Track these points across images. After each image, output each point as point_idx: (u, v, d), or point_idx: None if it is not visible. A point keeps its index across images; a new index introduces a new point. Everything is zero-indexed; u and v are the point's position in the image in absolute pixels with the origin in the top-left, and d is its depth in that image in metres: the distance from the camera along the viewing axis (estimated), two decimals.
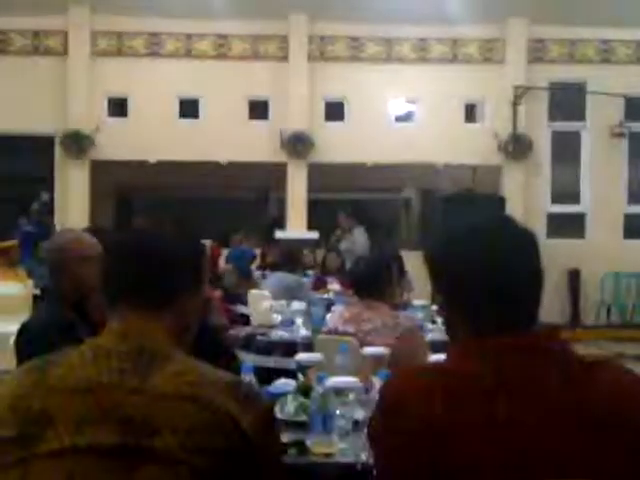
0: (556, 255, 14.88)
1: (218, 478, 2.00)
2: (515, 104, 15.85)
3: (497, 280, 2.11)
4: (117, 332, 2.16)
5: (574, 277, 16.04)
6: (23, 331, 3.94)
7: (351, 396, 2.97)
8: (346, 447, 2.82)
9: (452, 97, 15.98)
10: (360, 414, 3.25)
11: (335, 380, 2.99)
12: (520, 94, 15.86)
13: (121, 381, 2.06)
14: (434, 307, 6.83)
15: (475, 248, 2.13)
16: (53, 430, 2.01)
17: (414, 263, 12.80)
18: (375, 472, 2.39)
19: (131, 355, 2.11)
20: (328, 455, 2.77)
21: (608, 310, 16.30)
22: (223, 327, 6.74)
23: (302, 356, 3.77)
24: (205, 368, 2.13)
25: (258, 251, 13.13)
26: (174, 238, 2.32)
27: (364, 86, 15.82)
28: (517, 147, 15.89)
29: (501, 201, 15.79)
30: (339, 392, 2.95)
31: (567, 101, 16.77)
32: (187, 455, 1.98)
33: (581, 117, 16.57)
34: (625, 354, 13.70)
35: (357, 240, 12.22)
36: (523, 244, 2.16)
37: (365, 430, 3.01)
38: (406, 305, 7.35)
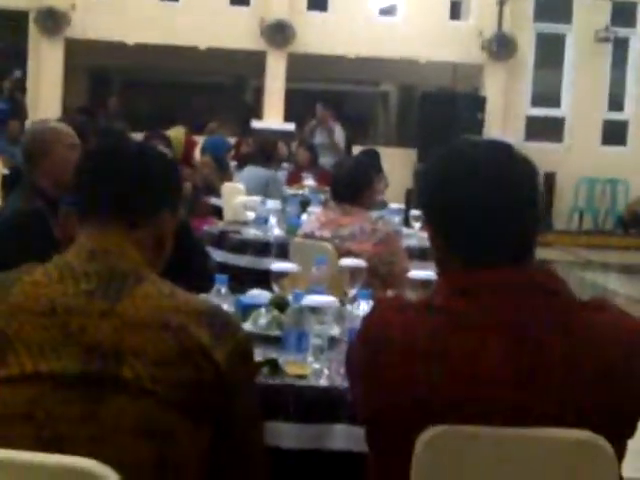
0: (533, 158, 14.67)
1: (187, 411, 1.91)
2: (501, 3, 15.56)
3: (496, 218, 2.01)
4: (87, 249, 2.03)
5: (549, 181, 15.96)
6: None
7: (328, 315, 2.87)
8: (320, 368, 2.73)
9: None
10: (336, 330, 3.17)
11: (313, 299, 2.89)
12: None
13: (89, 304, 1.93)
14: (412, 212, 6.73)
15: (476, 188, 2.02)
16: (14, 354, 1.89)
17: (390, 159, 12.61)
18: (351, 400, 2.33)
19: (101, 276, 1.98)
20: (301, 376, 2.68)
21: (580, 215, 16.32)
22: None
23: (277, 265, 3.66)
24: (180, 293, 2.01)
25: (233, 141, 12.93)
26: (156, 152, 2.23)
27: None
28: (501, 47, 15.68)
29: (481, 101, 15.66)
30: (316, 310, 2.86)
31: (553, 3, 16.49)
32: (155, 386, 1.88)
33: (567, 20, 16.32)
34: (594, 261, 13.78)
35: (336, 137, 12.04)
36: (526, 184, 2.07)
37: (339, 348, 2.96)
38: (382, 205, 7.26)
